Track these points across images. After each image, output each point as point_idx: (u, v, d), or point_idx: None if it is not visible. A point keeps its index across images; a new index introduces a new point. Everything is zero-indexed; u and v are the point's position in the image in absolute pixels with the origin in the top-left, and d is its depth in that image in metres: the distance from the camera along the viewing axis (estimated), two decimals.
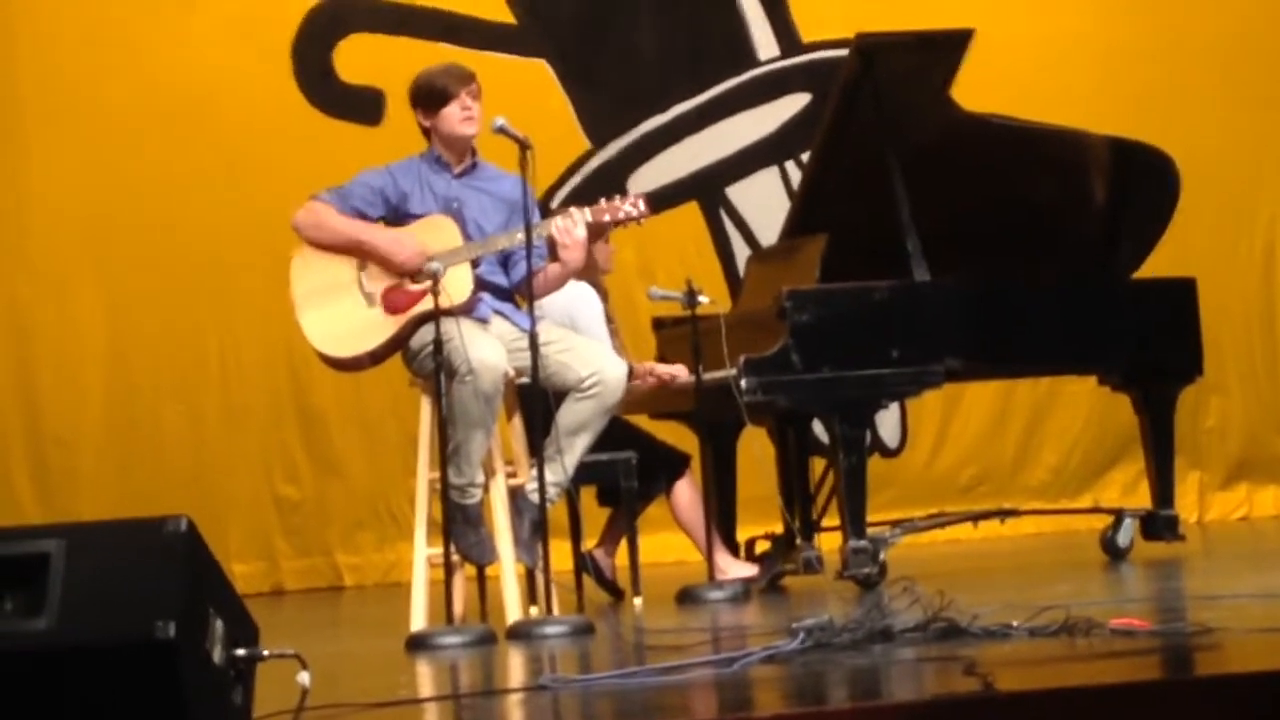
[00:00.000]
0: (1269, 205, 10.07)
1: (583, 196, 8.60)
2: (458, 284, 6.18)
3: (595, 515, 7.55)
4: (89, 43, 9.29)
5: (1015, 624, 4.71)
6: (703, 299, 7.19)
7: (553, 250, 6.39)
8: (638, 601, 6.93)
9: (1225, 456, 9.99)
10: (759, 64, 9.94)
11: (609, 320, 7.32)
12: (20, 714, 3.49)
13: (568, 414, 6.29)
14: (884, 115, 7.20)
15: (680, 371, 7.30)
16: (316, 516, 9.37)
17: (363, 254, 6.30)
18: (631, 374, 6.70)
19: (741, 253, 9.64)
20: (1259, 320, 10.07)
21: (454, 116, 6.42)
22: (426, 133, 6.51)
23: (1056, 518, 9.04)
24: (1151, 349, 7.55)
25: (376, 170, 6.50)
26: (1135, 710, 3.64)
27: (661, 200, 8.96)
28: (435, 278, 6.05)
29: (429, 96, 6.46)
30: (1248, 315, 9.98)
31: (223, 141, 9.27)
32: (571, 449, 6.31)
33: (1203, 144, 9.12)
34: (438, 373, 6.05)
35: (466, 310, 6.22)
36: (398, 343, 6.29)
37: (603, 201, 6.47)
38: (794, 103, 9.87)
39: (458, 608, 6.27)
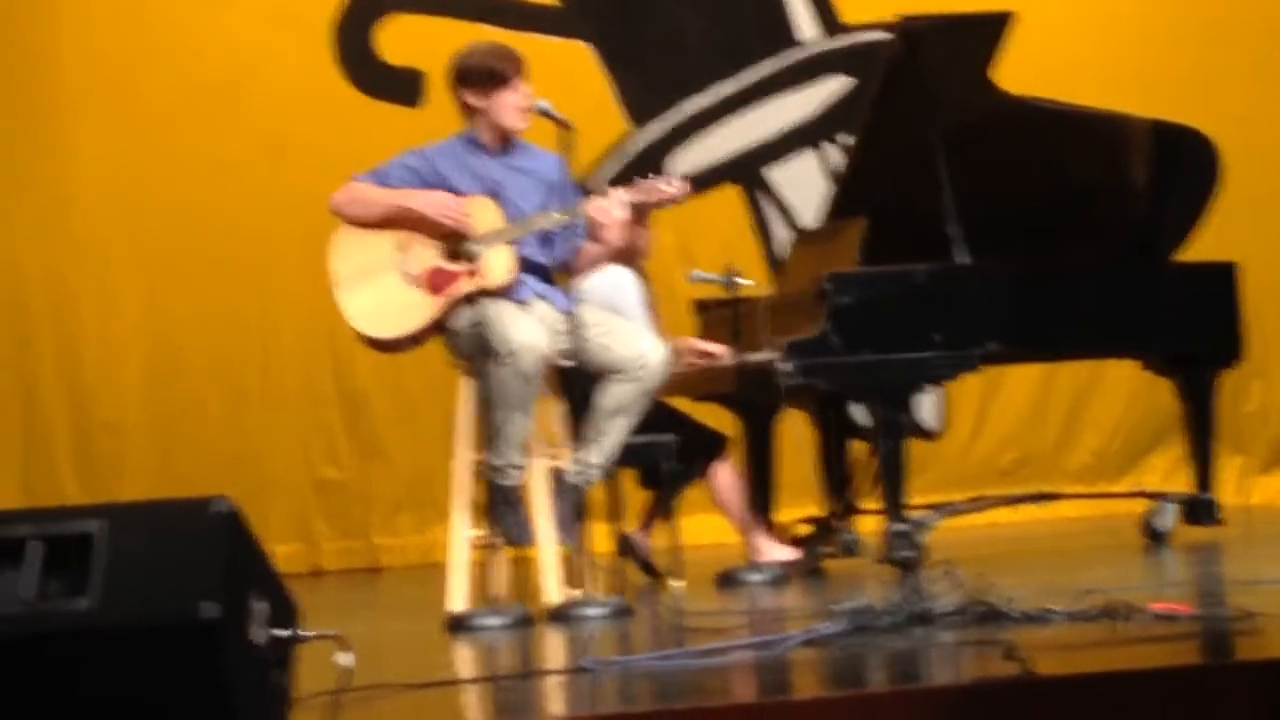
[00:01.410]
0: None
1: (623, 177, 8.62)
2: (499, 265, 6.21)
3: (635, 497, 7.57)
4: (129, 27, 9.34)
5: (1055, 608, 4.72)
6: (743, 281, 7.21)
7: (592, 230, 6.41)
8: (677, 584, 6.94)
9: (1267, 440, 9.98)
10: (799, 45, 9.93)
11: (648, 304, 7.34)
12: (63, 693, 3.51)
13: (608, 396, 6.30)
14: (927, 98, 7.20)
15: (722, 351, 7.31)
16: (356, 498, 9.41)
17: (405, 221, 6.31)
18: (674, 352, 6.72)
19: (781, 235, 9.66)
20: None
21: (510, 104, 6.36)
22: (469, 112, 6.48)
23: (1097, 502, 9.04)
24: (1193, 332, 7.55)
25: (414, 152, 6.52)
26: (1176, 695, 3.64)
27: (701, 182, 8.96)
28: (476, 259, 6.09)
29: (485, 77, 6.39)
30: None
31: (263, 123, 9.30)
32: (612, 431, 6.33)
33: (1244, 127, 9.09)
34: (478, 354, 6.08)
35: (507, 291, 6.23)
36: (438, 324, 6.31)
37: (640, 180, 6.49)
38: (834, 85, 9.88)
39: (497, 589, 6.30)
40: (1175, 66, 9.76)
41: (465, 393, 6.29)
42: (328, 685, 3.59)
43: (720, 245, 8.88)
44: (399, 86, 9.39)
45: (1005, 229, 7.26)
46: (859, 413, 7.67)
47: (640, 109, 9.77)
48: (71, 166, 9.30)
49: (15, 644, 3.51)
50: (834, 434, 7.77)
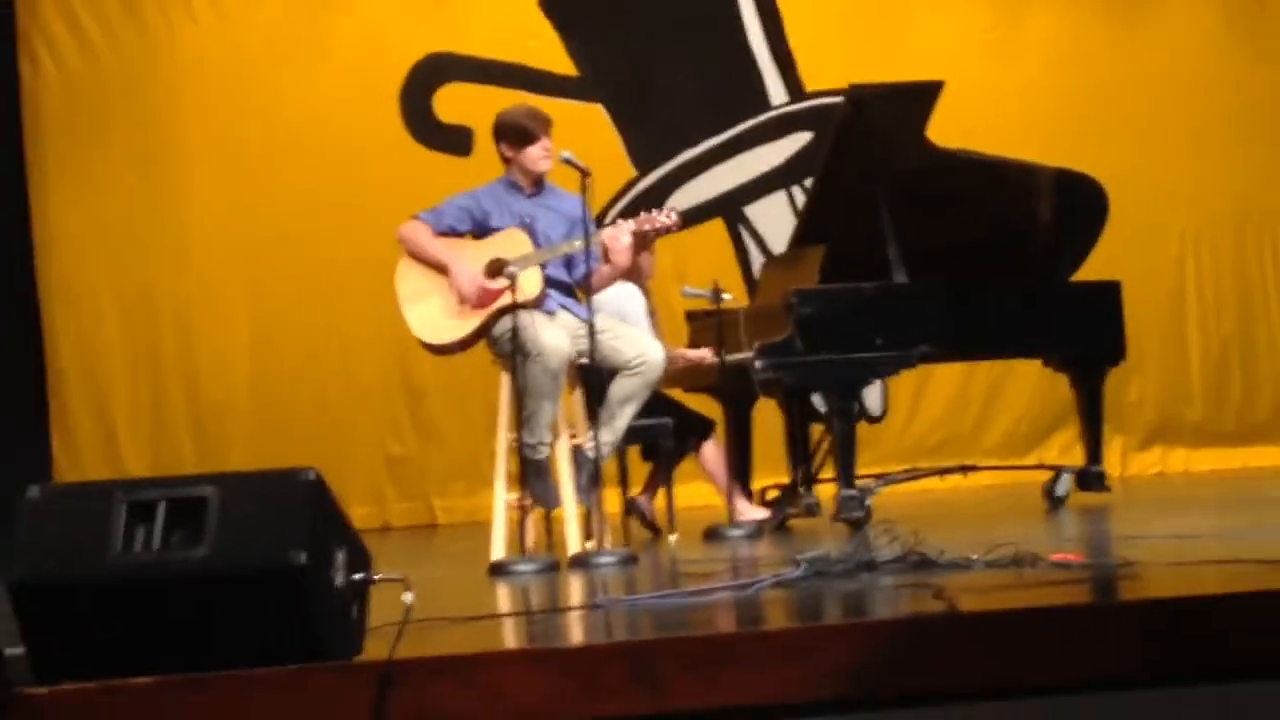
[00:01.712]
0: (1178, 222, 10.04)
1: (630, 213, 8.60)
2: (529, 283, 6.21)
3: (639, 468, 7.56)
4: (236, 91, 9.33)
5: (974, 557, 4.71)
6: (726, 296, 7.21)
7: (605, 254, 6.41)
8: (673, 538, 6.93)
9: (1143, 424, 9.95)
10: (771, 108, 9.92)
11: (651, 314, 7.33)
12: (182, 623, 3.52)
13: (618, 388, 6.30)
14: (871, 150, 7.19)
15: (706, 354, 7.31)
16: (417, 469, 9.40)
17: (445, 269, 6.33)
18: (670, 356, 6.72)
19: (757, 259, 9.64)
20: (1170, 314, 10.03)
21: (536, 154, 6.44)
22: (506, 161, 6.52)
23: (1008, 473, 9.00)
24: (1086, 338, 7.53)
25: (465, 194, 6.55)
26: (1071, 628, 3.63)
27: (693, 217, 8.95)
28: (513, 278, 6.08)
29: (517, 134, 6.46)
30: (1162, 310, 9.94)
31: (343, 168, 9.29)
32: (621, 416, 6.33)
33: (1128, 172, 9.06)
34: (514, 354, 6.07)
35: (537, 304, 6.24)
36: (482, 331, 6.31)
37: (642, 214, 6.52)
38: (799, 139, 9.86)
39: (529, 542, 6.30)
40: (1072, 123, 9.72)
41: (504, 385, 6.28)
42: (394, 618, 3.58)
43: (708, 267, 8.84)
44: (452, 140, 9.38)
45: (935, 255, 7.23)
46: (818, 401, 7.65)
47: (644, 159, 9.75)
48: (189, 204, 9.30)
49: (145, 583, 3.52)
50: (798, 418, 7.74)
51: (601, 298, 6.57)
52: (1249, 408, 10.08)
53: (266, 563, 3.47)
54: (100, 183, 9.23)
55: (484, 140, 7.05)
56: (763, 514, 7.36)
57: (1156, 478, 9.73)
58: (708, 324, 7.40)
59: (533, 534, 6.38)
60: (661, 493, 7.32)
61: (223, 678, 3.44)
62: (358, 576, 3.67)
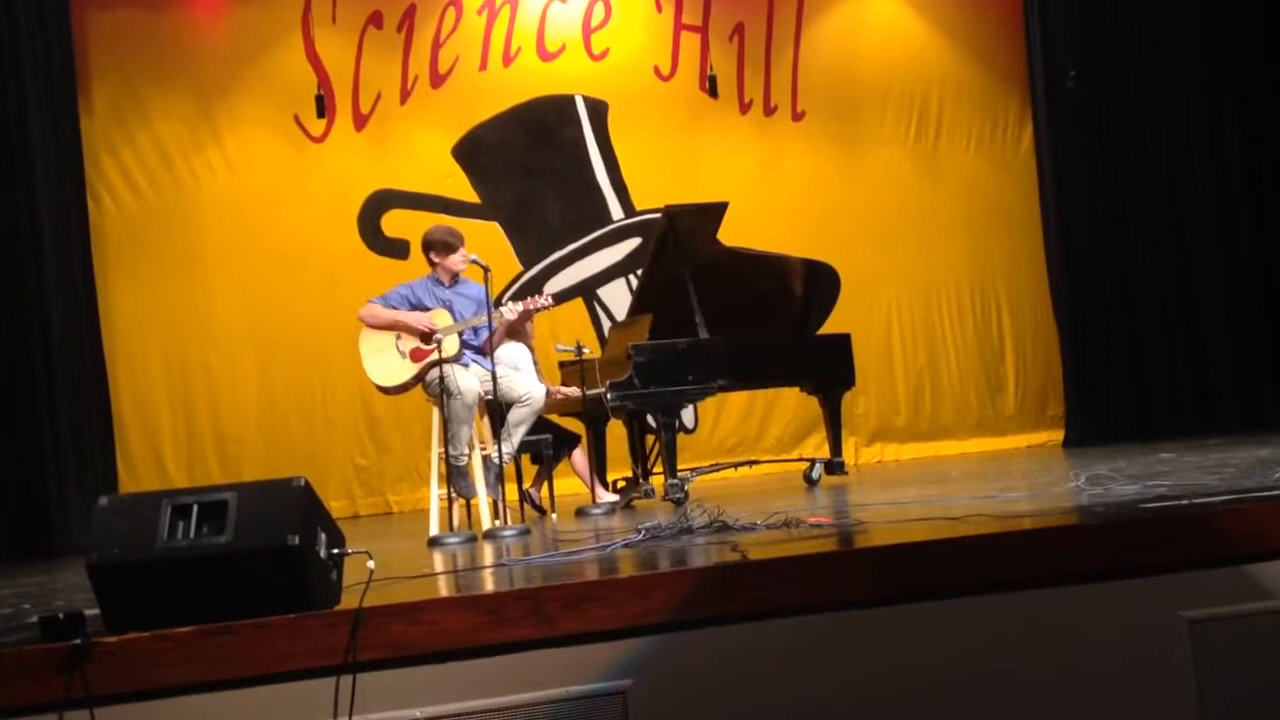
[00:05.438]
0: (886, 294, 10.22)
1: (518, 296, 8.61)
2: (450, 345, 6.18)
3: (529, 469, 7.53)
4: (243, 218, 9.20)
5: (758, 522, 4.75)
6: (585, 350, 7.21)
7: (500, 325, 6.40)
8: (554, 516, 6.90)
9: (867, 429, 10.10)
10: (613, 222, 9.96)
11: (535, 365, 7.31)
12: (212, 588, 3.44)
13: (514, 415, 6.29)
14: (681, 249, 7.25)
15: (574, 391, 7.30)
16: (376, 474, 9.28)
17: (397, 327, 6.29)
18: (548, 391, 6.72)
19: (606, 325, 9.66)
20: (882, 355, 10.20)
21: (457, 260, 6.46)
22: (432, 264, 6.50)
23: (780, 464, 9.10)
24: (827, 372, 7.63)
25: (404, 284, 6.51)
26: (824, 567, 3.66)
27: (562, 298, 8.96)
28: (439, 343, 6.05)
29: (444, 246, 6.48)
30: (877, 352, 10.10)
31: (319, 269, 9.20)
32: (516, 434, 6.31)
33: (853, 261, 9.19)
34: (441, 394, 6.03)
35: (456, 359, 6.20)
36: (419, 378, 6.26)
37: (528, 298, 6.53)
38: (632, 243, 9.91)
39: (455, 522, 6.24)
40: (816, 227, 9.88)
41: (435, 415, 6.23)
42: (362, 578, 3.53)
43: (572, 331, 8.86)
44: (394, 249, 9.31)
45: (726, 319, 7.31)
46: (651, 420, 7.67)
47: (527, 259, 9.74)
48: (212, 297, 9.12)
49: (184, 562, 3.44)
50: (637, 431, 7.76)
51: (500, 353, 6.56)
52: (937, 415, 10.27)
53: (270, 544, 3.41)
54: (148, 283, 9.03)
55: (415, 249, 7.00)
56: (615, 498, 7.36)
57: (878, 465, 9.87)
58: (574, 369, 7.40)
59: (457, 517, 6.32)
60: (545, 485, 7.29)
61: (242, 624, 3.37)
62: (335, 550, 3.62)
